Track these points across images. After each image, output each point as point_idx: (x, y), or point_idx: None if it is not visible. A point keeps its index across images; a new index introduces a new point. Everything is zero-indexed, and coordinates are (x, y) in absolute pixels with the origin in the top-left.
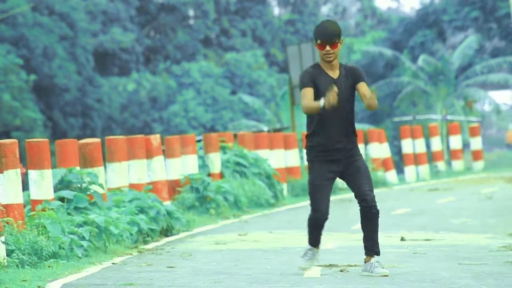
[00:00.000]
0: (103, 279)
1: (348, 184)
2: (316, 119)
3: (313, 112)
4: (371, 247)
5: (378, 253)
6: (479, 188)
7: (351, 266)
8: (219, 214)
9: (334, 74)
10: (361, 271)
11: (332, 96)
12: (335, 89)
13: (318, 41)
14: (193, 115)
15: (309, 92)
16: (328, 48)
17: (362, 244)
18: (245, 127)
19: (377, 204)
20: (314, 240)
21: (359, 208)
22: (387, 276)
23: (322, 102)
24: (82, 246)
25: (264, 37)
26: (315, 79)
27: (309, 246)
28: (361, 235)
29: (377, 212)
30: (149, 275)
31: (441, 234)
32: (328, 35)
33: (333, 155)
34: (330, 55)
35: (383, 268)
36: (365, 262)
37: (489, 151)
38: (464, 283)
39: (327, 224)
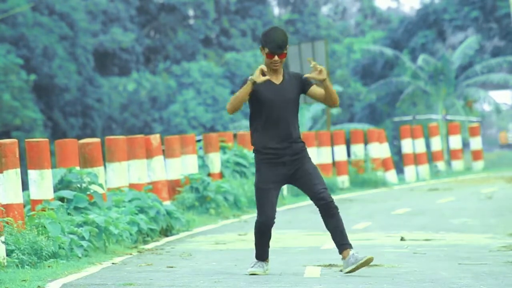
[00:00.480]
0: (103, 279)
1: (301, 188)
2: (261, 123)
3: (239, 99)
4: (343, 242)
5: (351, 246)
6: (479, 188)
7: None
8: (219, 214)
9: (277, 79)
10: (343, 269)
11: (258, 71)
12: (262, 67)
13: (267, 50)
14: (193, 115)
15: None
16: (276, 58)
17: (334, 242)
18: (245, 127)
19: (375, 204)
20: (261, 251)
21: (318, 208)
22: (372, 259)
23: (250, 78)
24: (82, 246)
25: None
26: (256, 86)
27: (255, 260)
28: (361, 235)
29: (336, 207)
30: (149, 275)
31: (441, 234)
32: (278, 46)
33: (278, 158)
34: (277, 64)
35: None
36: (343, 259)
37: (489, 151)
38: (464, 283)
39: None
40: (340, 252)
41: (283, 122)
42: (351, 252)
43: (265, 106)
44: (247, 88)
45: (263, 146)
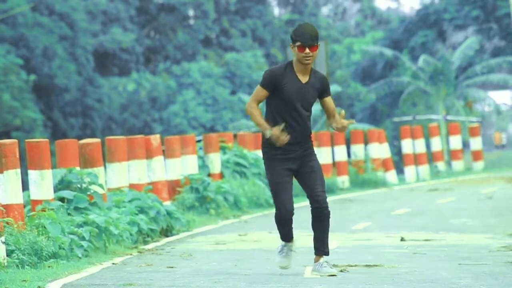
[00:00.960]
0: (103, 279)
1: (301, 183)
2: (277, 118)
3: (253, 121)
4: (321, 247)
5: (327, 253)
6: (479, 188)
7: (351, 266)
8: (219, 214)
9: (304, 78)
10: (311, 270)
11: (280, 141)
12: (286, 138)
13: (298, 43)
14: (193, 115)
15: (261, 94)
16: (307, 50)
17: (313, 244)
18: (245, 127)
19: (375, 204)
20: (285, 235)
21: (311, 208)
22: (335, 275)
23: (268, 133)
24: (82, 246)
25: (264, 37)
26: (280, 80)
27: (283, 242)
28: (361, 235)
29: (328, 213)
30: (149, 275)
31: (441, 234)
32: (309, 37)
33: (289, 153)
34: (309, 58)
35: (331, 268)
36: (314, 262)
37: (489, 151)
38: (464, 283)
39: None
40: (315, 254)
41: (299, 121)
42: (322, 260)
43: (286, 104)
44: (260, 127)
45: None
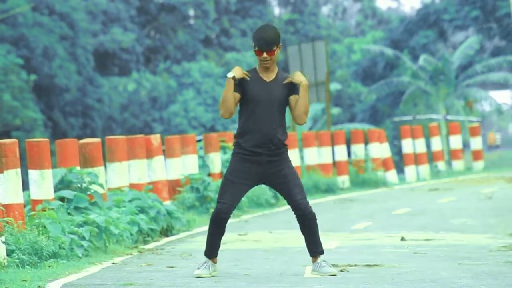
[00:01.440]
0: (103, 279)
1: (279, 192)
2: (243, 119)
3: (225, 99)
4: (315, 248)
5: (321, 252)
6: (479, 188)
7: (351, 266)
8: None
9: (269, 77)
10: (311, 270)
11: (239, 72)
12: (245, 73)
13: (256, 48)
14: (193, 115)
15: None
16: (265, 55)
17: (306, 246)
18: None
19: (375, 204)
20: (212, 247)
21: (295, 215)
22: (335, 275)
23: (230, 74)
24: (82, 246)
25: None
26: (245, 83)
27: (205, 259)
28: (361, 235)
29: (313, 217)
30: (149, 275)
31: (441, 234)
32: (265, 43)
33: (255, 156)
34: (267, 62)
35: (330, 267)
36: (312, 263)
37: (489, 151)
38: (464, 283)
39: (327, 224)
40: (310, 256)
41: (266, 121)
42: (319, 259)
43: (250, 103)
44: (228, 86)
45: (242, 141)
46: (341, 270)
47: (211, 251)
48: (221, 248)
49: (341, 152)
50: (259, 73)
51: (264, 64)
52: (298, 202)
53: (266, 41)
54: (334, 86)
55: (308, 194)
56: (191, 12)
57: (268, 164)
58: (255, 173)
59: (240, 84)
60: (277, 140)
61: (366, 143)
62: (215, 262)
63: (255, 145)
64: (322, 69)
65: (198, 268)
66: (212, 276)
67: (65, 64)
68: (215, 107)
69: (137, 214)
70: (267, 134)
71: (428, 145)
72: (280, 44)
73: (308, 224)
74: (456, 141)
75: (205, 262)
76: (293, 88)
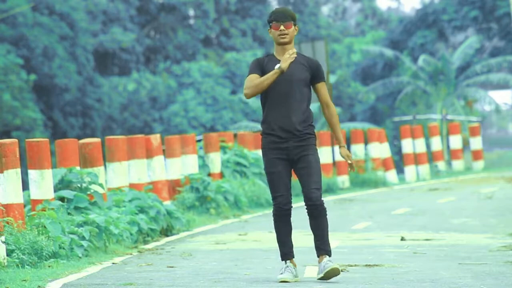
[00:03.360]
0: (103, 279)
1: (298, 178)
2: (267, 106)
3: (262, 86)
4: (322, 246)
5: (329, 253)
6: (479, 188)
7: (351, 266)
8: (219, 214)
9: None
10: (317, 274)
11: (290, 55)
12: (292, 52)
13: (273, 22)
14: (193, 115)
15: (254, 77)
16: (282, 27)
17: (314, 245)
18: (245, 127)
19: (375, 203)
20: (285, 247)
21: (306, 207)
22: (337, 271)
23: (277, 66)
24: (82, 246)
25: (264, 37)
26: (264, 66)
27: (283, 263)
28: (361, 235)
29: (324, 210)
30: (149, 275)
31: (441, 234)
32: (282, 14)
33: (283, 142)
34: (285, 36)
35: (334, 264)
36: (318, 263)
37: (489, 151)
38: (464, 283)
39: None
40: (317, 255)
41: (288, 102)
42: (325, 259)
43: (272, 89)
44: (274, 76)
45: (268, 128)
46: (341, 270)
47: (286, 252)
48: (221, 248)
49: None
50: (276, 57)
51: (282, 39)
52: (311, 190)
53: (284, 14)
54: (331, 79)
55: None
56: (191, 12)
57: (296, 149)
58: (287, 159)
59: (260, 68)
60: (302, 124)
61: (366, 143)
62: (295, 265)
63: (280, 130)
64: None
65: (282, 273)
66: (295, 281)
67: (65, 64)
68: (215, 107)
69: (137, 214)
70: (291, 119)
71: (428, 145)
72: (297, 25)
73: (316, 216)
74: (456, 141)
75: (287, 266)
76: (316, 74)
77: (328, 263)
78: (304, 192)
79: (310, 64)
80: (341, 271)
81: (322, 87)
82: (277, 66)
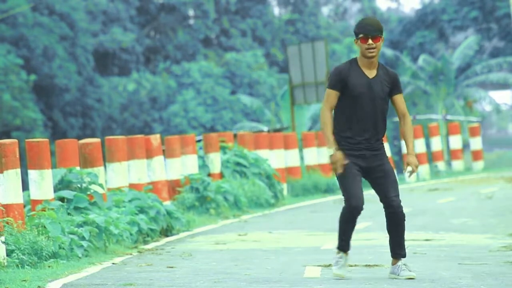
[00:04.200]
0: (103, 279)
1: (374, 187)
2: (346, 115)
3: (322, 131)
4: (398, 250)
5: (404, 256)
6: (479, 188)
7: (351, 266)
8: (219, 214)
9: (371, 73)
10: (388, 273)
11: (336, 167)
12: (342, 163)
13: (360, 35)
14: (193, 115)
15: (332, 96)
16: (370, 41)
17: (389, 247)
18: (252, 128)
19: (375, 204)
20: (345, 242)
21: (385, 212)
22: (413, 279)
23: (330, 151)
24: (82, 246)
25: (264, 37)
26: (347, 76)
27: (339, 253)
28: (361, 235)
29: (403, 216)
30: (149, 275)
31: (441, 234)
32: (371, 28)
33: (359, 150)
34: (372, 50)
35: (410, 271)
36: (392, 265)
37: (489, 151)
38: (464, 283)
39: (327, 224)
40: (392, 257)
41: (370, 118)
42: (400, 263)
43: (353, 100)
44: (327, 142)
45: (344, 137)
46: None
47: (345, 245)
48: (221, 248)
49: None
50: (361, 67)
51: (370, 53)
52: (392, 198)
53: (373, 27)
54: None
55: (308, 194)
56: (191, 12)
57: (371, 158)
58: (361, 166)
59: (342, 81)
60: (379, 136)
61: None
62: (348, 255)
63: (358, 141)
64: (322, 69)
65: (335, 265)
66: (344, 276)
67: (65, 64)
68: (215, 107)
69: (137, 214)
70: (370, 132)
71: (428, 145)
72: (383, 37)
73: (396, 223)
74: (455, 141)
75: (340, 258)
76: (395, 86)
77: (404, 269)
78: (384, 200)
79: (390, 78)
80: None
81: (399, 99)
82: (331, 151)
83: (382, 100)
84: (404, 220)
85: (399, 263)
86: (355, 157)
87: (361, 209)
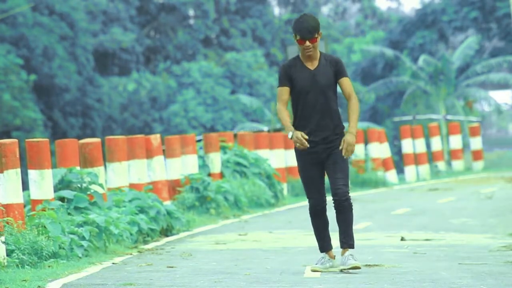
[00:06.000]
0: (103, 279)
1: (326, 173)
2: (295, 111)
3: (281, 123)
4: (345, 240)
5: (351, 246)
6: (479, 188)
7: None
8: (219, 214)
9: (313, 65)
10: (337, 265)
11: (299, 144)
12: (303, 139)
13: (298, 37)
14: (193, 115)
15: (284, 92)
16: (308, 43)
17: (339, 238)
18: (246, 128)
19: (375, 204)
20: (322, 241)
21: (332, 202)
22: (358, 268)
23: (290, 134)
24: (82, 246)
25: (264, 37)
26: (291, 73)
27: (322, 254)
28: (361, 235)
29: (349, 205)
30: (149, 275)
31: (441, 234)
32: (307, 31)
33: (312, 146)
34: (310, 50)
35: (355, 260)
36: (341, 255)
37: (489, 151)
38: (464, 283)
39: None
40: (340, 248)
41: (317, 109)
42: (347, 253)
43: (300, 93)
44: (285, 128)
45: (302, 129)
46: (341, 270)
47: (324, 244)
48: (221, 248)
49: None
50: (303, 62)
51: (307, 52)
52: (338, 186)
53: (308, 30)
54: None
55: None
56: (191, 12)
57: (325, 151)
58: (318, 158)
59: (288, 77)
60: (331, 125)
61: (366, 143)
62: (332, 256)
63: (310, 134)
64: None
65: (316, 264)
66: (329, 271)
67: (65, 64)
68: (215, 107)
69: (137, 214)
70: (320, 122)
71: (428, 145)
72: (321, 31)
73: (342, 211)
74: (456, 141)
75: (322, 258)
76: (339, 71)
77: (350, 259)
78: (331, 188)
79: (333, 64)
80: (341, 271)
81: (344, 82)
82: (290, 133)
83: (328, 89)
84: (351, 209)
85: (346, 253)
86: (310, 153)
87: (322, 208)
